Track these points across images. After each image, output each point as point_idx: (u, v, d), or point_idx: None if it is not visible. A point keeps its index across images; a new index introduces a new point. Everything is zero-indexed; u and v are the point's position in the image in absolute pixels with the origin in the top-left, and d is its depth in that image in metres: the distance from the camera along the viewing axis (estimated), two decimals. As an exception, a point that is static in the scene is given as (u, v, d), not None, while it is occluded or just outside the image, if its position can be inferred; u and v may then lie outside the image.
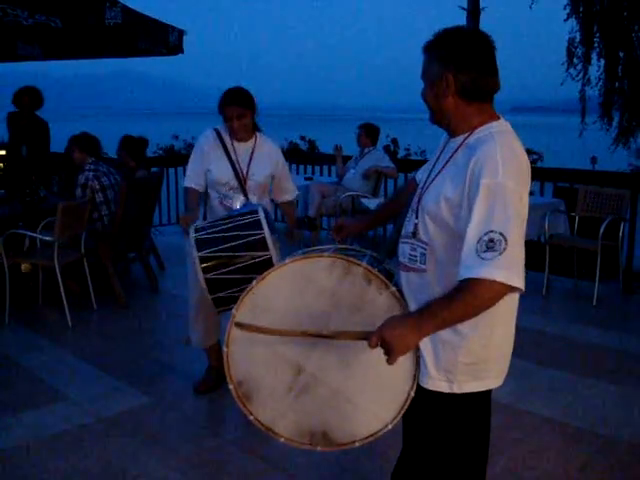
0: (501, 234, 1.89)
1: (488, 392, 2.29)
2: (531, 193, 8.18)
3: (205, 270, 3.27)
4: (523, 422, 4.02)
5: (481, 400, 2.28)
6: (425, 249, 2.13)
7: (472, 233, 1.93)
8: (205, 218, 4.12)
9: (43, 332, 5.56)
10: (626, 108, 16.05)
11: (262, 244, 3.32)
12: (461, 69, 2.06)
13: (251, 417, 2.32)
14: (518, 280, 1.91)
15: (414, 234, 2.18)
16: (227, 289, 3.27)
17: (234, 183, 4.05)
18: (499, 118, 2.13)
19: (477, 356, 2.16)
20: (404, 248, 2.23)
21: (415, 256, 2.17)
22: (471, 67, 2.07)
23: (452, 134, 2.18)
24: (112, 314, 6.07)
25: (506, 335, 2.23)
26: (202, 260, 3.27)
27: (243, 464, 3.61)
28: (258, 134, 4.18)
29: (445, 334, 2.11)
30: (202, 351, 4.47)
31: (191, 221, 3.77)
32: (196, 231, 3.39)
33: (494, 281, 1.89)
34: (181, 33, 7.04)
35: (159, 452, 3.69)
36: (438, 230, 2.09)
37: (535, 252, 7.01)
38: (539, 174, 8.05)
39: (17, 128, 7.62)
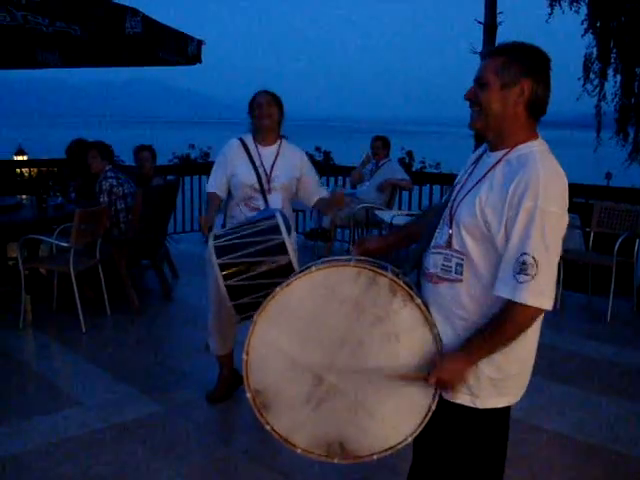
0: (534, 258, 1.97)
1: (508, 408, 2.30)
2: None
3: (225, 277, 3.27)
4: (535, 437, 4.00)
5: (501, 416, 2.29)
6: (462, 259, 2.14)
7: (510, 253, 2.01)
8: (224, 224, 4.15)
9: (57, 337, 5.60)
10: (641, 124, 16.00)
11: (281, 248, 3.34)
12: (539, 80, 2.09)
13: (268, 427, 2.29)
14: (548, 303, 2.01)
15: (449, 245, 2.18)
16: (249, 295, 3.27)
17: (259, 186, 4.10)
18: (538, 137, 2.15)
19: (504, 372, 2.18)
20: (435, 258, 2.23)
21: (450, 266, 2.18)
22: (545, 84, 2.10)
23: (492, 147, 2.18)
24: (125, 321, 6.10)
25: (531, 352, 2.26)
26: (222, 267, 3.28)
27: (253, 474, 3.61)
28: (283, 140, 4.23)
29: None
30: (215, 359, 4.48)
31: (211, 221, 3.84)
32: (215, 238, 3.40)
33: (529, 306, 1.99)
34: (200, 43, 7.08)
35: (170, 460, 3.70)
36: (474, 241, 2.11)
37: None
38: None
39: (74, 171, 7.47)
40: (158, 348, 5.52)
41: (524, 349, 2.21)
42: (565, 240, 6.39)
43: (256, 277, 3.25)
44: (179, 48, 6.89)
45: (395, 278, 2.17)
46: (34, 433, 3.95)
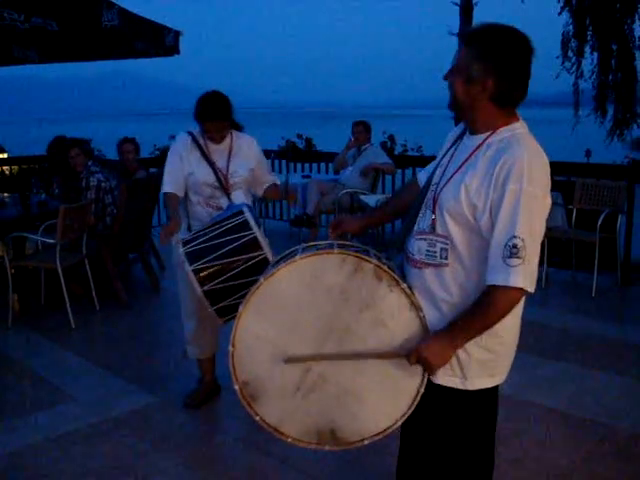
0: (523, 240, 1.99)
1: (496, 387, 2.33)
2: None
3: (201, 282, 3.20)
4: (526, 413, 4.07)
5: (491, 395, 2.33)
6: (446, 244, 2.15)
7: (498, 238, 2.02)
8: (189, 226, 4.03)
9: (47, 334, 5.59)
10: (620, 101, 16.09)
11: (255, 244, 3.25)
12: (504, 79, 2.07)
13: (257, 418, 2.30)
14: (533, 285, 2.04)
15: (432, 230, 2.19)
16: (228, 297, 3.21)
17: (218, 184, 3.98)
18: (519, 119, 2.16)
19: (492, 352, 2.21)
20: (420, 244, 2.24)
21: (434, 252, 2.19)
22: (513, 79, 2.08)
23: (472, 131, 2.19)
24: (115, 315, 6.11)
25: (516, 331, 2.29)
26: (196, 273, 3.21)
27: (250, 460, 3.65)
28: (233, 132, 4.10)
29: None
30: (197, 363, 4.41)
31: (175, 229, 3.72)
32: (184, 244, 3.32)
33: (519, 289, 2.01)
34: (177, 34, 7.07)
35: (166, 450, 3.73)
36: (458, 226, 2.12)
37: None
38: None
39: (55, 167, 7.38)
40: (149, 340, 5.54)
41: (511, 329, 2.24)
42: (548, 218, 6.46)
43: (233, 278, 3.19)
44: (156, 39, 6.88)
45: (379, 263, 2.17)
46: (30, 430, 3.96)
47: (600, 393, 4.35)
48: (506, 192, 1.99)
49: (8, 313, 5.77)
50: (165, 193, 4.01)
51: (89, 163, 6.39)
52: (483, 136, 2.14)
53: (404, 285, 2.18)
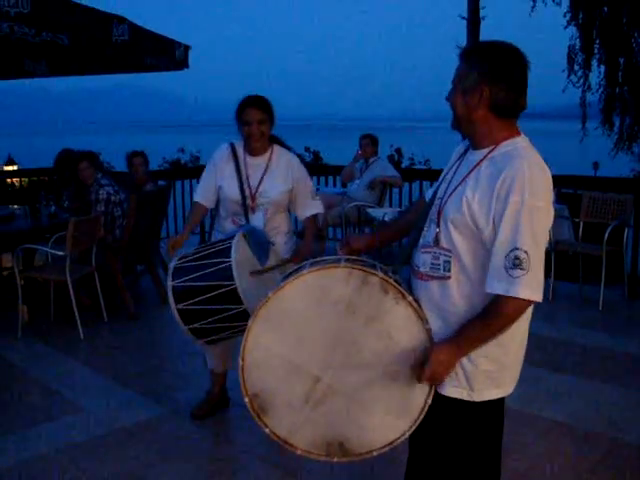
0: (526, 252, 2.02)
1: (502, 399, 2.35)
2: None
3: (176, 300, 3.22)
4: (532, 426, 4.07)
5: (497, 407, 2.35)
6: (449, 256, 2.18)
7: (500, 248, 2.05)
8: (210, 235, 4.09)
9: (56, 345, 5.63)
10: (627, 113, 16.12)
11: (227, 273, 3.16)
12: (499, 85, 2.11)
13: (267, 430, 2.33)
14: (539, 295, 2.06)
15: (436, 243, 2.23)
16: (200, 319, 3.21)
17: (242, 201, 3.89)
18: (520, 134, 2.20)
19: (499, 364, 2.23)
20: (424, 258, 2.28)
21: (438, 264, 2.22)
22: (509, 86, 2.12)
23: (475, 146, 2.24)
24: (123, 327, 6.14)
25: (523, 342, 2.31)
26: (173, 289, 3.24)
27: (258, 472, 3.66)
28: (275, 147, 3.98)
29: None
30: (209, 373, 4.42)
31: (179, 244, 3.76)
32: (180, 259, 3.37)
33: (523, 299, 2.04)
34: (187, 48, 7.12)
35: (174, 462, 3.75)
36: (462, 237, 2.15)
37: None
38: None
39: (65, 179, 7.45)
40: (157, 352, 5.57)
41: (518, 340, 2.27)
42: (554, 231, 6.50)
43: (205, 302, 3.18)
44: (166, 54, 6.93)
45: (386, 277, 2.21)
46: (39, 441, 3.98)
47: (606, 406, 4.36)
48: (508, 204, 2.02)
49: (17, 324, 5.81)
50: (193, 202, 4.07)
51: (98, 176, 6.44)
52: (485, 151, 2.18)
53: (410, 298, 2.21)
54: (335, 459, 2.33)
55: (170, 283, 3.24)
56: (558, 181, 8.22)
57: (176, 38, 7.05)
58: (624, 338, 5.70)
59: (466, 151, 2.31)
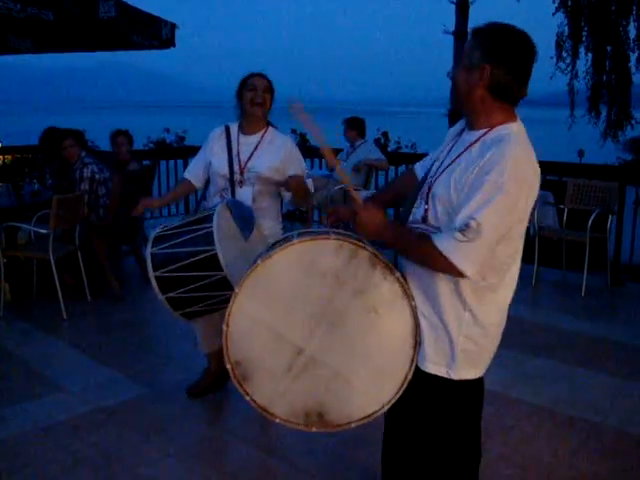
0: (479, 225, 2.02)
1: (480, 381, 2.38)
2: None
3: (154, 267, 3.21)
4: (514, 410, 4.10)
5: (474, 388, 2.38)
6: (436, 233, 2.19)
7: (462, 214, 2.06)
8: (197, 209, 4.09)
9: (39, 324, 5.60)
10: (614, 102, 16.16)
11: (208, 238, 3.17)
12: (501, 67, 2.12)
13: (247, 397, 2.34)
14: (470, 268, 2.07)
15: (424, 220, 2.25)
16: (177, 288, 3.22)
17: (229, 176, 3.89)
18: (517, 120, 2.21)
19: (478, 344, 2.27)
20: None
21: None
22: (510, 69, 2.12)
23: (470, 125, 2.25)
24: (106, 306, 6.12)
25: (501, 327, 2.34)
26: (153, 257, 3.23)
27: (241, 452, 3.67)
28: (270, 128, 3.99)
29: (449, 321, 2.23)
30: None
31: (151, 204, 4.04)
32: (161, 229, 3.38)
33: (451, 263, 2.06)
34: (173, 27, 7.06)
35: (158, 442, 3.74)
36: (448, 216, 2.17)
37: (525, 244, 7.09)
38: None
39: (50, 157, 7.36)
40: (141, 332, 5.55)
41: (495, 324, 2.31)
42: (539, 217, 6.53)
43: (183, 268, 3.18)
44: (153, 32, 6.87)
45: (375, 251, 2.23)
46: (20, 419, 3.97)
47: (587, 391, 4.39)
48: (486, 181, 2.03)
49: (0, 303, 5.77)
50: (181, 177, 4.15)
51: (82, 154, 6.38)
52: (480, 132, 2.19)
53: (398, 274, 2.24)
54: (313, 429, 2.35)
55: (149, 250, 3.23)
56: (544, 168, 8.18)
57: (164, 16, 6.99)
58: (606, 324, 5.75)
59: (462, 132, 2.32)
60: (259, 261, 2.26)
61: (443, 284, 2.21)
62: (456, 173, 2.15)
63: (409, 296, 2.25)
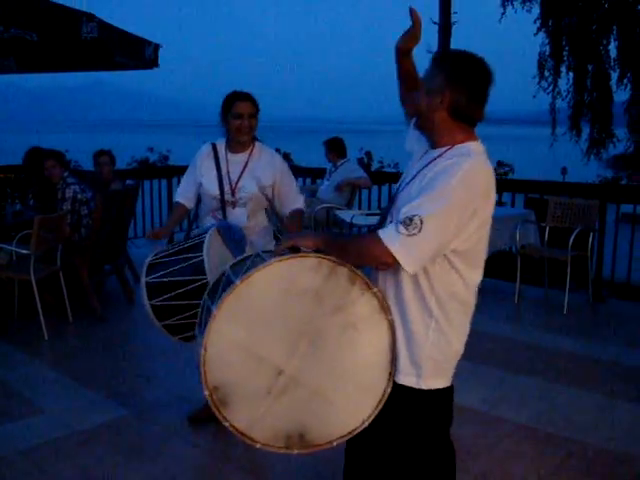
0: (422, 222, 2.06)
1: (449, 391, 2.40)
2: (502, 204, 8.36)
3: (149, 296, 3.20)
4: (496, 428, 4.10)
5: (442, 397, 2.40)
6: None
7: (408, 207, 2.11)
8: (189, 231, 4.09)
9: (19, 345, 5.55)
10: (596, 120, 16.33)
11: (198, 268, 3.17)
12: (460, 91, 2.20)
13: (227, 423, 2.26)
14: (408, 262, 2.10)
15: None
16: (173, 316, 3.20)
17: (220, 197, 3.88)
18: (477, 139, 2.29)
19: (444, 354, 2.31)
20: None
21: None
22: (469, 93, 2.22)
23: (433, 145, 2.31)
24: (88, 326, 6.08)
25: (464, 339, 2.39)
26: (147, 286, 3.23)
27: (222, 473, 3.65)
28: (257, 144, 3.98)
29: (417, 330, 2.27)
30: (180, 362, 4.44)
31: (160, 235, 3.81)
32: (154, 256, 3.37)
33: (390, 252, 2.08)
34: (157, 47, 7.09)
35: (138, 463, 3.72)
36: None
37: (507, 262, 7.15)
38: (510, 186, 8.23)
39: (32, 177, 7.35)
40: (122, 353, 5.51)
41: (463, 331, 2.36)
42: (521, 235, 6.55)
43: (177, 297, 3.16)
44: (136, 52, 6.89)
45: (353, 268, 2.24)
46: (0, 441, 3.92)
47: (569, 409, 4.41)
48: (436, 184, 2.10)
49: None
50: (174, 201, 4.09)
51: (65, 174, 6.38)
52: (442, 150, 2.25)
53: (375, 289, 2.26)
54: (295, 451, 2.31)
55: (144, 279, 3.22)
56: (525, 186, 8.33)
57: (149, 38, 7.02)
58: (587, 341, 5.77)
59: (427, 151, 2.37)
60: (237, 281, 2.20)
61: (410, 295, 2.26)
62: (415, 185, 2.21)
63: (386, 310, 2.28)
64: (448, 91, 2.20)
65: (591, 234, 6.79)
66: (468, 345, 2.37)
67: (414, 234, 2.06)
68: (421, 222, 2.05)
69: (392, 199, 2.42)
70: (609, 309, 6.89)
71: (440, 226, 2.08)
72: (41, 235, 5.54)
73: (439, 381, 2.34)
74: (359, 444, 2.49)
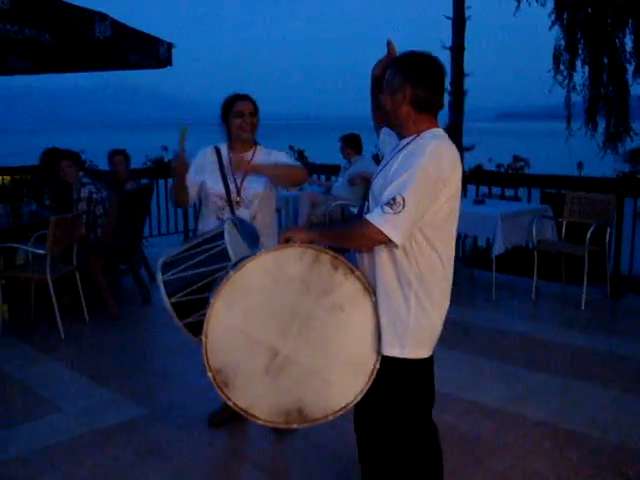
0: (403, 200, 2.35)
1: (431, 359, 2.62)
2: (518, 199, 8.31)
3: (169, 294, 3.10)
4: (514, 426, 4.07)
5: (426, 366, 2.63)
6: None
7: (387, 193, 2.39)
8: (195, 230, 4.10)
9: (36, 345, 5.58)
10: (612, 114, 16.18)
11: (224, 254, 3.05)
12: (419, 84, 2.51)
13: (230, 402, 2.48)
14: (397, 237, 2.38)
15: (360, 216, 2.55)
16: (195, 311, 3.14)
17: (226, 197, 3.89)
18: (439, 127, 2.60)
19: (423, 324, 2.52)
20: None
21: None
22: (427, 86, 2.53)
23: (402, 136, 2.61)
24: (104, 326, 6.10)
25: (445, 305, 2.61)
26: (165, 283, 3.17)
27: (239, 473, 3.65)
28: (258, 146, 4.00)
29: (398, 304, 2.49)
30: (195, 361, 4.39)
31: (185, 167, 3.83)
32: (167, 256, 3.28)
33: (380, 230, 2.37)
34: (170, 46, 7.09)
35: (155, 462, 3.72)
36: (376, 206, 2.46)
37: (523, 258, 7.10)
38: (526, 181, 8.16)
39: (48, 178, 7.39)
40: (138, 352, 5.53)
41: (441, 302, 2.57)
42: (538, 231, 6.51)
43: (200, 290, 3.13)
44: (149, 51, 6.89)
45: (336, 254, 2.46)
46: (16, 441, 3.95)
47: (588, 406, 4.36)
48: (409, 165, 2.38)
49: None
50: None
51: (80, 175, 6.40)
52: (409, 139, 2.55)
53: (358, 273, 2.51)
54: (294, 425, 2.55)
55: (160, 277, 3.17)
56: (542, 181, 8.28)
57: (165, 37, 7.02)
58: (606, 337, 5.72)
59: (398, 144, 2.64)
60: (231, 272, 2.43)
61: (389, 273, 2.49)
62: (389, 170, 2.47)
63: (369, 292, 2.51)
64: (408, 86, 2.51)
65: (608, 229, 6.72)
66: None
67: (399, 211, 2.34)
68: (403, 200, 2.33)
69: (369, 187, 2.68)
70: (627, 304, 6.82)
71: (418, 199, 2.36)
72: (57, 235, 5.56)
73: (420, 351, 2.55)
74: (363, 418, 2.75)
